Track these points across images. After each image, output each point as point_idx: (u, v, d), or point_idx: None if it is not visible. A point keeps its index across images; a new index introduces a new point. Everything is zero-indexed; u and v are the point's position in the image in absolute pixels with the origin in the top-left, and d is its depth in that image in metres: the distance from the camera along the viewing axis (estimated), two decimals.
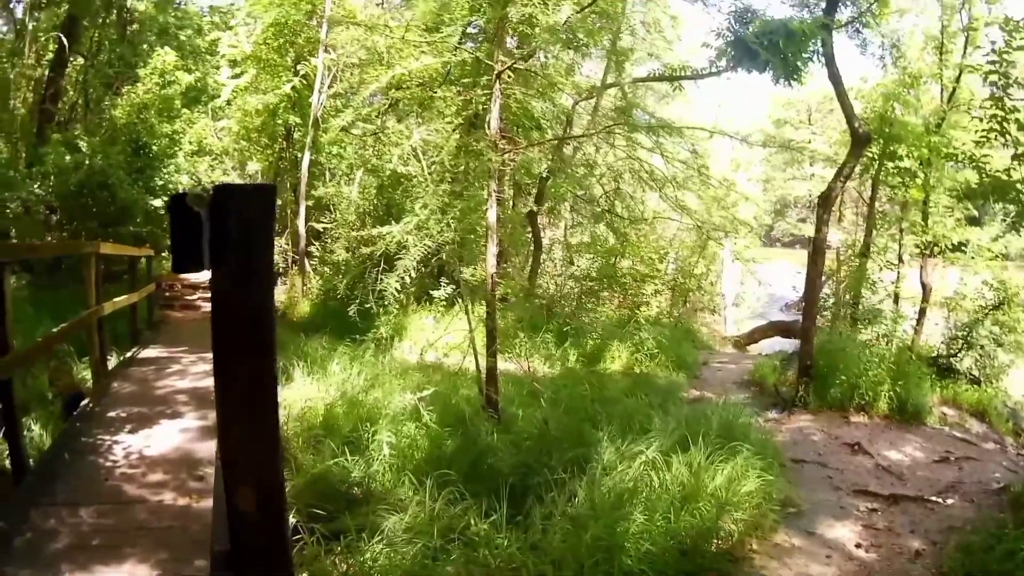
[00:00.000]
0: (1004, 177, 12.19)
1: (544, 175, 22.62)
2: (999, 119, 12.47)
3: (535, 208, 23.98)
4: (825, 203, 18.14)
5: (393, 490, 9.73)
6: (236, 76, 27.62)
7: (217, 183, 8.31)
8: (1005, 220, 22.64)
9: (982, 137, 13.18)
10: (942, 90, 23.33)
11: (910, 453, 15.12)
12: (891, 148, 21.62)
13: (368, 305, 17.61)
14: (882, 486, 13.05)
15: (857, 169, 21.81)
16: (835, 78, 17.68)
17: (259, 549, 4.00)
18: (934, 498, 12.51)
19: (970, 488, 13.18)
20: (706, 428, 11.97)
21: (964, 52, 22.82)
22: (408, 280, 15.92)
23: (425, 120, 18.45)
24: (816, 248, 18.25)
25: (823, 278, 22.61)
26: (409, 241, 15.22)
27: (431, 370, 17.02)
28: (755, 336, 31.55)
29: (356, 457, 10.48)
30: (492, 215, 13.96)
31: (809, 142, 41.08)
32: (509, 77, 15.36)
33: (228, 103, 27.97)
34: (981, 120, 13.73)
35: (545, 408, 13.47)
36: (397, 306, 19.83)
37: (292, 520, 8.04)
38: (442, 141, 17.13)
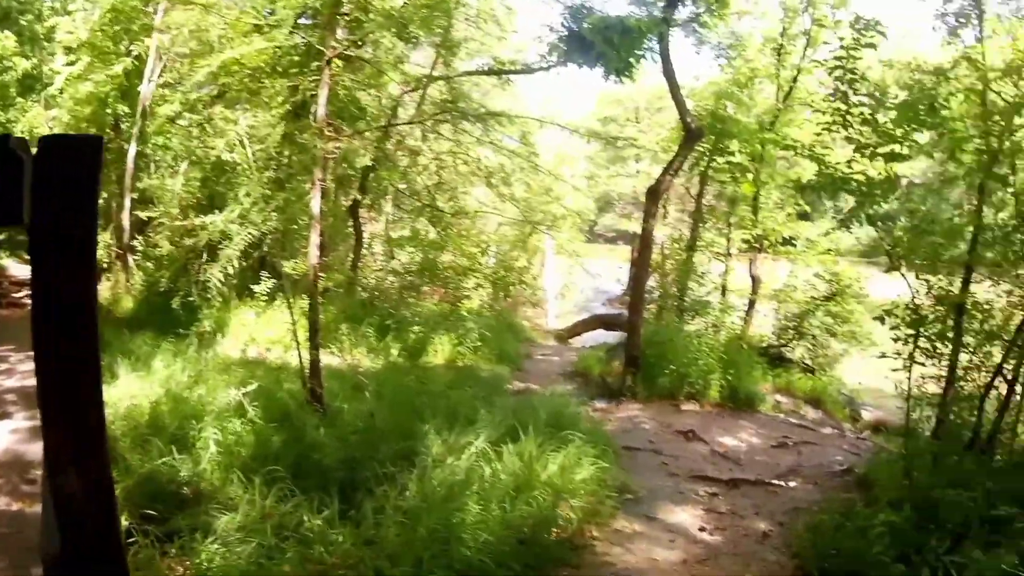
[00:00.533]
0: (845, 169, 11.72)
1: (367, 166, 22.13)
2: (842, 112, 12.06)
3: (359, 198, 23.11)
4: (654, 196, 17.80)
5: (223, 488, 9.13)
6: (70, 63, 26.27)
7: None
8: (836, 216, 22.68)
9: (824, 129, 12.70)
10: (778, 89, 23.19)
11: (746, 439, 14.76)
12: (722, 144, 21.30)
13: (191, 298, 17.45)
14: (720, 471, 12.56)
15: (686, 165, 21.34)
16: (669, 74, 17.42)
17: (91, 551, 3.36)
18: (776, 481, 12.10)
19: (811, 471, 12.87)
20: (535, 418, 11.41)
21: (804, 54, 22.82)
22: (231, 271, 15.67)
23: (253, 107, 17.42)
24: (643, 240, 17.99)
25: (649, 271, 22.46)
26: (232, 230, 14.71)
27: (253, 365, 15.87)
28: (578, 329, 30.97)
29: (184, 456, 9.77)
30: (316, 205, 12.99)
31: (636, 139, 41.27)
32: (339, 65, 14.61)
33: (60, 92, 26.57)
34: (823, 113, 13.29)
35: (370, 401, 12.87)
36: (220, 300, 19.12)
37: (124, 522, 7.38)
38: (269, 129, 16.10)
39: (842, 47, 12.87)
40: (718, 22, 20.38)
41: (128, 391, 12.22)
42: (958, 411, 11.73)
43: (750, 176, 21.94)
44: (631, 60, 16.13)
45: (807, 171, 21.82)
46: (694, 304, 21.63)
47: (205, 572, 7.47)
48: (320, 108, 13.20)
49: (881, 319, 12.31)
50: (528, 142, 24.06)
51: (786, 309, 22.61)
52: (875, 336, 20.02)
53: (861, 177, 12.13)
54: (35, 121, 27.54)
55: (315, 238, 12.95)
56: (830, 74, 13.07)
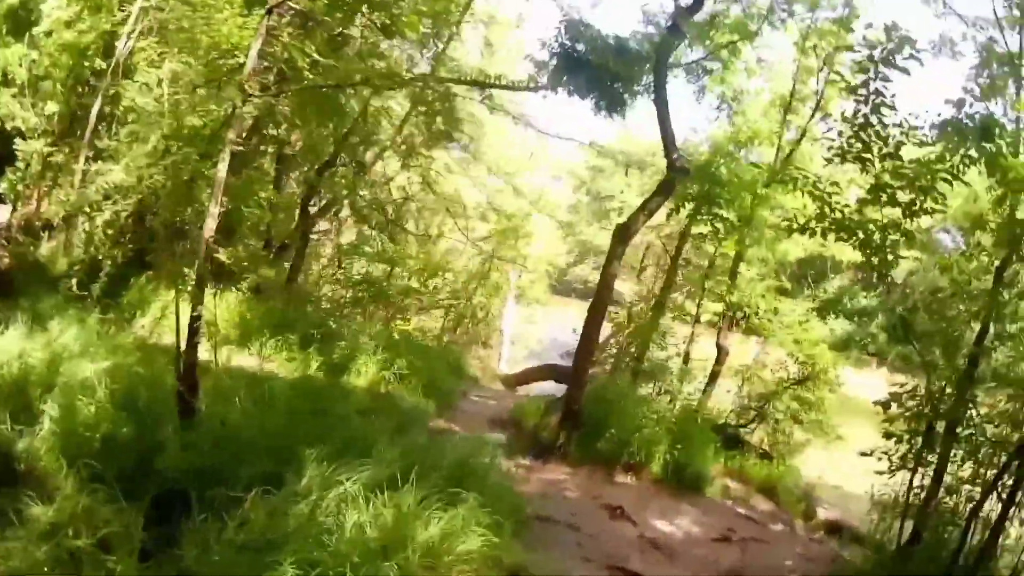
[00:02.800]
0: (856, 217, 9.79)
1: (325, 161, 20.94)
2: (862, 139, 10.04)
3: (317, 195, 21.40)
4: (622, 236, 15.72)
5: (54, 473, 8.79)
6: (60, 7, 24.79)
7: None
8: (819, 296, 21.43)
9: (836, 156, 10.67)
10: (778, 150, 21.66)
11: (684, 526, 12.76)
12: (713, 193, 19.23)
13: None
14: (645, 563, 10.47)
15: (665, 218, 20.98)
16: (661, 101, 15.62)
17: None
18: None
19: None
20: (436, 464, 9.63)
21: (812, 116, 21.21)
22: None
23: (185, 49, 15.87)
24: (602, 282, 15.99)
25: (610, 325, 21.53)
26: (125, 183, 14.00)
27: (151, 349, 15.09)
28: (528, 377, 28.92)
29: (21, 427, 9.59)
30: (222, 169, 11.24)
31: (622, 192, 39.97)
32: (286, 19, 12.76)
33: (48, 34, 25.06)
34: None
35: (258, 413, 11.19)
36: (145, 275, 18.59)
37: None
38: (194, 75, 14.35)
39: (870, 57, 10.44)
40: (726, 74, 20.00)
41: (8, 347, 11.75)
42: (940, 525, 10.55)
43: (734, 237, 20.11)
44: (625, 94, 15.66)
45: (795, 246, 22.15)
46: (652, 367, 19.81)
47: None
48: (250, 61, 11.50)
49: (886, 404, 10.99)
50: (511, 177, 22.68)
51: (751, 388, 21.12)
52: (845, 430, 19.43)
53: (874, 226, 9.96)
54: (11, 59, 26.11)
55: (214, 209, 11.19)
56: (850, 94, 10.83)
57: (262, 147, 20.39)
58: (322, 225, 24.62)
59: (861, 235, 9.40)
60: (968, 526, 9.65)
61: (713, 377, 20.85)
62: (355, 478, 8.49)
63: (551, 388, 24.89)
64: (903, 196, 9.87)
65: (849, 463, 19.55)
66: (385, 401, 15.61)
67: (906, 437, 10.69)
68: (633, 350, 20.77)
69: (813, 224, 9.68)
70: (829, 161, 11.28)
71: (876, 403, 11.76)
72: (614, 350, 21.81)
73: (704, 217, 19.41)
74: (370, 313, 22.87)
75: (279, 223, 21.13)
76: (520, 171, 36.36)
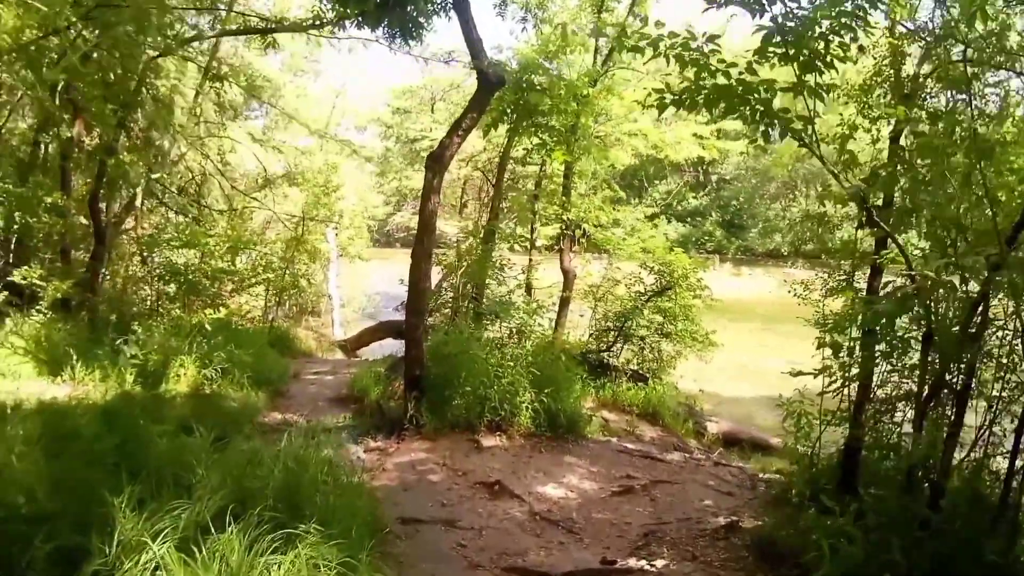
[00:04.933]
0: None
1: (106, 147, 18.27)
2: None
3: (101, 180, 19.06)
4: (436, 164, 13.42)
5: None
6: None
7: None
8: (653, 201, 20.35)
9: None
10: (595, 53, 20.34)
11: (576, 485, 10.86)
12: (533, 102, 17.36)
13: None
14: (548, 551, 8.43)
15: (483, 146, 20.48)
16: (462, 7, 13.66)
17: None
18: (633, 564, 8.09)
19: (679, 533, 9.09)
20: (269, 481, 7.55)
21: (630, 10, 20.02)
22: None
23: None
24: (422, 223, 13.63)
25: (439, 269, 19.38)
26: None
27: None
28: (364, 339, 27.37)
29: None
30: None
31: (431, 130, 38.28)
32: None
33: None
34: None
35: (54, 464, 8.27)
36: None
37: None
38: None
39: None
40: None
41: None
42: (876, 431, 9.19)
43: (561, 149, 18.32)
44: (420, 17, 14.42)
45: (624, 152, 22.07)
46: (494, 305, 17.77)
47: None
48: None
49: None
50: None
51: (606, 308, 19.39)
52: (720, 336, 18.44)
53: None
54: None
55: None
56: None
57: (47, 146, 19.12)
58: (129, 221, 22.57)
59: (756, 99, 7.18)
60: (918, 426, 7.96)
61: (563, 304, 19.39)
62: (167, 530, 6.39)
63: (394, 345, 23.24)
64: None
65: (720, 366, 19.49)
66: (208, 404, 13.62)
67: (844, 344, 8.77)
68: (470, 290, 18.88)
69: (690, 95, 7.41)
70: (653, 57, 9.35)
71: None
72: (450, 295, 19.79)
73: (526, 129, 17.67)
74: (189, 306, 20.67)
75: (73, 228, 19.07)
76: (324, 128, 34.90)
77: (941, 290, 7.05)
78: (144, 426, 10.13)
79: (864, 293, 9.44)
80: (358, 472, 9.73)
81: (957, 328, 7.11)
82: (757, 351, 27.58)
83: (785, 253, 56.10)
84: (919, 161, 7.16)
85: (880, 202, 7.54)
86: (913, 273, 7.05)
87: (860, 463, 8.71)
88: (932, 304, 7.32)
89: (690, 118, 22.10)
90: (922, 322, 7.54)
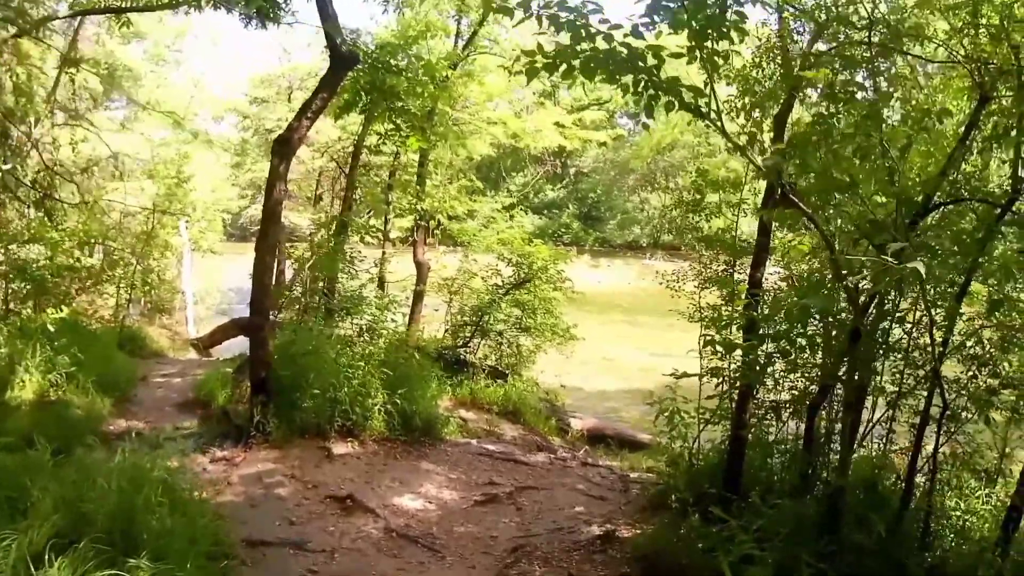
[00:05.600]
0: None
1: None
2: None
3: None
4: (284, 148, 12.54)
5: None
6: None
7: None
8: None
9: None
10: (456, 36, 20.20)
11: (436, 495, 10.15)
12: (388, 83, 16.63)
13: None
14: (407, 573, 7.70)
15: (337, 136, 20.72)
16: None
17: None
18: None
19: (550, 545, 8.51)
20: (98, 508, 6.74)
21: None
22: None
23: None
24: (268, 211, 12.70)
25: (288, 263, 19.71)
26: None
27: None
28: (216, 337, 26.04)
29: None
30: None
31: (287, 119, 37.41)
32: None
33: None
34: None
35: None
36: None
37: None
38: None
39: None
40: None
41: None
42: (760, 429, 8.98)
43: (416, 135, 17.72)
44: None
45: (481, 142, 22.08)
46: (345, 301, 16.76)
47: None
48: None
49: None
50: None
51: (462, 302, 19.03)
52: (581, 329, 18.05)
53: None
54: None
55: None
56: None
57: None
58: None
59: (643, 67, 6.34)
60: (810, 425, 7.64)
61: (417, 298, 19.04)
62: None
63: (246, 343, 22.32)
64: None
65: (582, 359, 19.30)
66: (50, 414, 12.44)
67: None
68: (321, 285, 18.20)
69: (565, 59, 6.52)
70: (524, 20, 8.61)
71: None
72: (299, 290, 19.12)
73: (381, 113, 16.83)
74: (39, 306, 19.61)
75: None
76: (181, 118, 34.25)
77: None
78: None
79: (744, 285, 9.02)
80: (201, 487, 8.95)
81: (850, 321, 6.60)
82: (619, 343, 27.20)
83: (644, 245, 56.25)
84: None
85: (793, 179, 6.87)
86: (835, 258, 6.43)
87: (744, 464, 8.21)
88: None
89: (552, 107, 21.75)
90: (832, 318, 7.02)
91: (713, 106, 5.70)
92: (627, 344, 27.27)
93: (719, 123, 5.84)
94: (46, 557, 5.87)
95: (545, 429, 15.78)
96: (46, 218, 21.21)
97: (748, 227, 10.76)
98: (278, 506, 9.32)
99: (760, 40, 9.47)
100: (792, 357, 7.43)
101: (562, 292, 17.85)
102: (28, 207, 22.18)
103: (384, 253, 19.52)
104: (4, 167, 19.34)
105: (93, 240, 21.90)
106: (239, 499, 9.42)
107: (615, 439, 16.14)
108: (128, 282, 23.46)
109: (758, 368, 7.40)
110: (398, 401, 12.45)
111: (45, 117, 20.80)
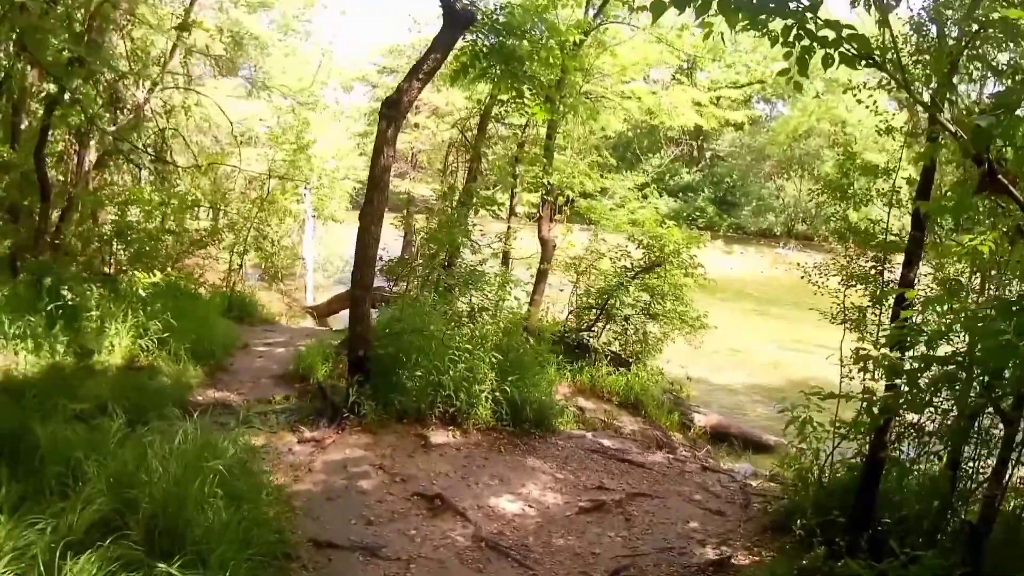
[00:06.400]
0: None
1: (51, 96, 16.16)
2: None
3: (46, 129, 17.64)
4: (392, 111, 11.74)
5: None
6: None
7: None
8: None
9: None
10: (587, 5, 18.39)
11: (537, 498, 9.21)
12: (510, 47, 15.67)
13: None
14: None
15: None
16: None
17: None
18: None
19: (658, 568, 7.58)
20: (144, 494, 6.18)
21: None
22: None
23: None
24: (374, 177, 11.88)
25: (407, 235, 19.59)
26: None
27: None
28: (333, 306, 26.18)
29: None
30: None
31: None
32: None
33: None
34: None
35: None
36: None
37: None
38: None
39: None
40: None
41: None
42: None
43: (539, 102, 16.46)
44: None
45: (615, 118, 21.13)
46: (464, 276, 15.91)
47: None
48: None
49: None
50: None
51: (588, 283, 17.88)
52: (710, 317, 16.86)
53: None
54: None
55: None
56: None
57: None
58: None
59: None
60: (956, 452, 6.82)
61: (541, 276, 17.88)
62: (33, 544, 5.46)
63: None
64: None
65: (710, 350, 18.23)
66: (132, 381, 11.97)
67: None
68: (441, 258, 17.24)
69: None
70: None
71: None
72: (420, 263, 17.98)
73: (501, 78, 15.68)
74: (146, 269, 19.24)
75: (14, 184, 17.30)
76: (309, 88, 35.02)
77: None
78: (58, 406, 9.00)
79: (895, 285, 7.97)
80: (283, 471, 8.65)
81: None
82: (749, 335, 26.01)
83: (777, 233, 54.92)
84: None
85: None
86: None
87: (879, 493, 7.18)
88: None
89: (688, 86, 20.77)
90: None
91: (891, 56, 4.61)
92: (757, 336, 26.15)
93: (899, 77, 4.72)
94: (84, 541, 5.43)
95: (666, 423, 14.80)
96: (158, 182, 21.38)
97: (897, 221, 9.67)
98: (358, 501, 8.57)
99: None
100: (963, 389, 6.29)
101: (694, 278, 16.75)
102: (140, 170, 22.25)
103: (509, 228, 18.60)
104: (109, 130, 18.79)
105: (200, 205, 22.11)
106: (317, 489, 8.73)
107: (739, 439, 15.17)
108: (241, 247, 23.21)
109: (919, 399, 6.29)
110: (508, 389, 11.61)
111: (158, 83, 20.54)
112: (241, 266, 24.12)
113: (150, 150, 20.50)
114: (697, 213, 55.06)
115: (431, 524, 8.08)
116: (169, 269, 18.04)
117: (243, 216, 23.88)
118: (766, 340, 25.50)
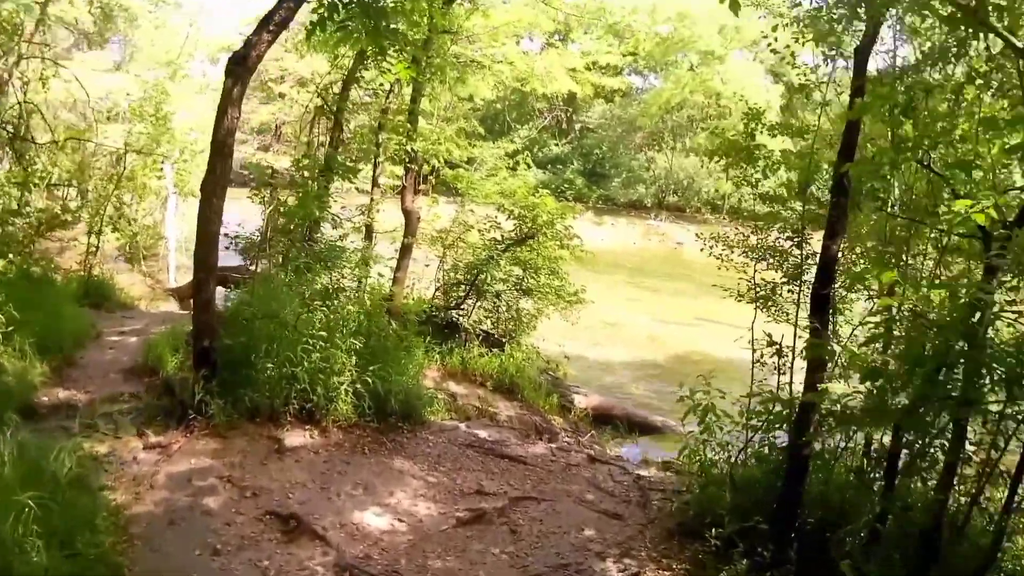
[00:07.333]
0: None
1: None
2: None
3: None
4: (239, 68, 10.43)
5: None
6: None
7: None
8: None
9: None
10: None
11: (409, 509, 8.23)
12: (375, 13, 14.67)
13: None
14: None
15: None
16: None
17: None
18: None
19: None
20: None
21: None
22: None
23: None
24: (216, 143, 10.37)
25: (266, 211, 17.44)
26: None
27: None
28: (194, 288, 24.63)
29: None
30: None
31: (281, 59, 36.25)
32: None
33: None
34: None
35: None
36: None
37: None
38: None
39: None
40: None
41: None
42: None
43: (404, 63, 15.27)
44: None
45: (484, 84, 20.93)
46: (323, 252, 14.66)
47: None
48: None
49: None
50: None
51: (456, 257, 17.20)
52: (591, 292, 16.31)
53: None
54: None
55: None
56: None
57: None
58: None
59: None
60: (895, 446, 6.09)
61: (405, 251, 16.82)
62: None
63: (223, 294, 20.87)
64: None
65: (586, 325, 17.66)
66: None
67: None
68: (297, 233, 16.16)
69: None
70: None
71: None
72: (273, 238, 16.87)
73: (357, 32, 14.63)
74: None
75: None
76: (176, 61, 34.90)
77: None
78: None
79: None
80: (123, 487, 7.79)
81: None
82: (625, 308, 25.43)
83: (648, 204, 55.16)
84: None
85: None
86: None
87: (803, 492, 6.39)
88: None
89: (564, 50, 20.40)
90: None
91: None
92: (633, 309, 25.59)
93: None
94: None
95: (545, 407, 14.34)
96: (15, 161, 19.89)
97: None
98: (203, 524, 7.39)
99: None
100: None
101: (569, 251, 16.12)
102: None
103: (372, 200, 17.50)
104: None
105: (54, 185, 21.23)
106: (159, 510, 7.53)
107: (624, 420, 14.71)
108: (97, 227, 22.06)
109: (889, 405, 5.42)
110: (370, 379, 10.55)
111: (23, 55, 19.51)
112: (99, 248, 23.04)
113: (8, 127, 19.39)
114: (566, 185, 54.81)
115: (286, 552, 6.97)
116: (20, 255, 16.93)
117: (99, 194, 22.89)
118: (641, 313, 25.12)
